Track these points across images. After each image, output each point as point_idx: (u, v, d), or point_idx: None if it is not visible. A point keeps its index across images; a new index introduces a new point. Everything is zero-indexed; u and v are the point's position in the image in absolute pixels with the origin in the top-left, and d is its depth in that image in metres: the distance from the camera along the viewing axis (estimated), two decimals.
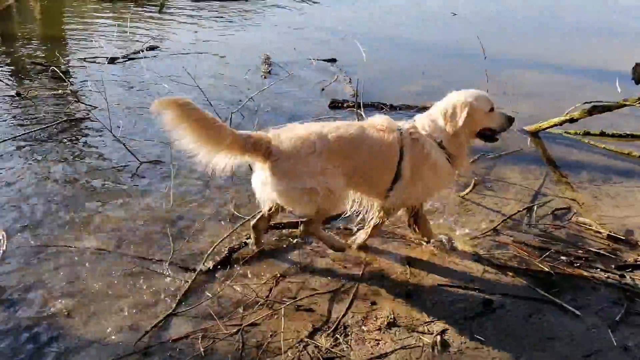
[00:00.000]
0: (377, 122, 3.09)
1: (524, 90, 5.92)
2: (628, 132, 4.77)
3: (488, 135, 3.13)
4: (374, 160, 3.03)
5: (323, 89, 6.06)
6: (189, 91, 5.34)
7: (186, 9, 10.01)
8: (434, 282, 3.09)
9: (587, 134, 4.81)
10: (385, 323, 2.78)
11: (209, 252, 3.23)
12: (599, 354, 2.61)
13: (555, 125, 4.74)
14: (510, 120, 3.11)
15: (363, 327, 2.77)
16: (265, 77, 6.34)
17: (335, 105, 5.55)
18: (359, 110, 4.91)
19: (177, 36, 8.23)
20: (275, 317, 2.81)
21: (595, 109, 4.49)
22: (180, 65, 6.30)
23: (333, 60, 6.89)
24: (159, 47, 7.46)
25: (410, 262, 3.26)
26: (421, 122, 3.10)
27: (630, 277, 3.14)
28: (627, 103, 4.38)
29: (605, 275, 3.15)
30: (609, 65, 6.38)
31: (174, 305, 2.83)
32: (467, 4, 9.74)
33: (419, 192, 3.14)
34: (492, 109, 3.06)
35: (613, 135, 4.78)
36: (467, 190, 3.97)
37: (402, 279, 3.12)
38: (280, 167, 2.87)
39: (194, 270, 3.11)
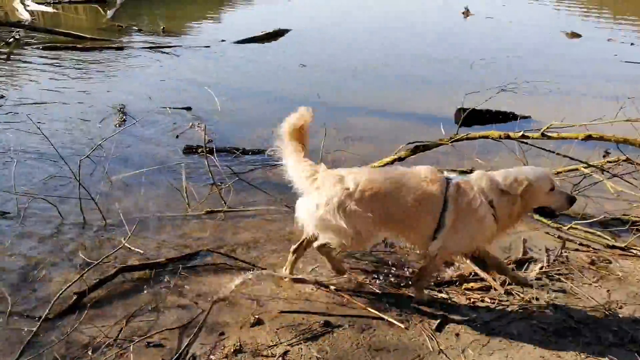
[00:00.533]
0: (422, 172, 3.27)
1: (360, 134, 6.51)
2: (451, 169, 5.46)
3: (547, 212, 3.36)
4: (412, 209, 3.20)
5: (177, 136, 6.25)
6: (38, 140, 5.32)
7: (38, 58, 9.75)
8: (279, 310, 3.38)
9: None
10: (232, 350, 3.01)
11: (54, 298, 3.25)
12: (423, 359, 3.04)
13: (387, 164, 5.29)
14: (571, 200, 3.28)
15: (211, 357, 2.97)
16: (118, 125, 6.40)
17: (190, 150, 5.76)
18: (210, 155, 5.15)
19: (28, 85, 8.03)
20: (125, 355, 2.92)
21: (418, 148, 5.12)
22: (27, 113, 6.17)
23: (188, 109, 7.10)
24: (4, 96, 7.26)
25: (256, 293, 3.53)
26: (477, 178, 3.28)
27: (446, 292, 3.66)
28: (442, 142, 5.06)
29: (426, 292, 3.64)
30: (434, 110, 7.23)
31: (16, 357, 2.84)
32: (315, 56, 10.48)
33: (461, 242, 3.28)
34: (552, 189, 3.25)
35: None
36: None
37: (249, 309, 3.38)
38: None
39: (40, 318, 3.13)
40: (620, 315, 3.42)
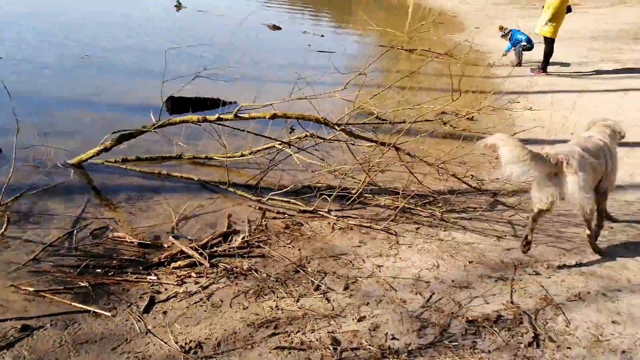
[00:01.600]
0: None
1: (64, 128, 6.17)
2: (158, 155, 5.52)
3: None
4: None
5: None
6: None
7: None
8: None
9: (125, 160, 5.36)
10: None
11: None
12: (131, 343, 3.07)
13: (94, 155, 5.14)
14: None
15: None
16: None
17: None
18: None
19: None
20: None
21: (123, 137, 5.08)
22: None
23: None
24: None
25: None
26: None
27: (154, 274, 3.75)
28: (146, 129, 5.09)
29: (135, 277, 3.67)
30: (144, 100, 7.15)
31: None
32: (9, 48, 9.44)
33: (613, 182, 4.24)
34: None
35: (147, 159, 5.46)
36: (3, 228, 3.98)
37: None
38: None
39: None
40: (309, 269, 3.93)
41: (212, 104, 7.26)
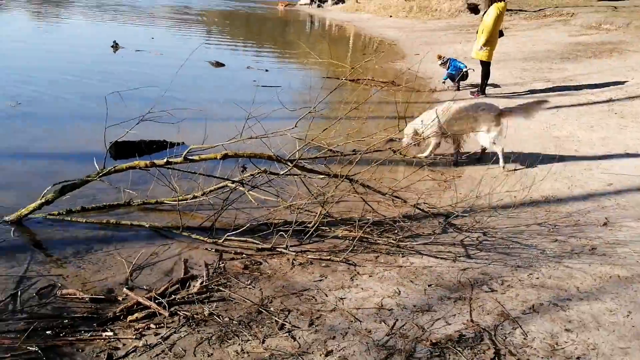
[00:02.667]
0: None
1: (4, 182, 5.90)
2: (106, 204, 5.32)
3: None
4: None
5: None
6: None
7: None
8: None
9: (69, 212, 5.14)
10: None
11: None
12: None
13: (35, 209, 4.91)
14: None
15: None
16: None
17: None
18: None
19: None
20: None
21: (66, 188, 4.88)
22: None
23: None
24: None
25: None
26: None
27: (111, 329, 3.56)
28: (90, 178, 4.92)
29: (89, 335, 3.48)
30: (86, 147, 6.94)
31: None
32: None
33: None
34: None
35: (93, 209, 5.26)
36: None
37: None
38: None
39: None
40: (272, 309, 3.84)
41: (159, 146, 7.12)
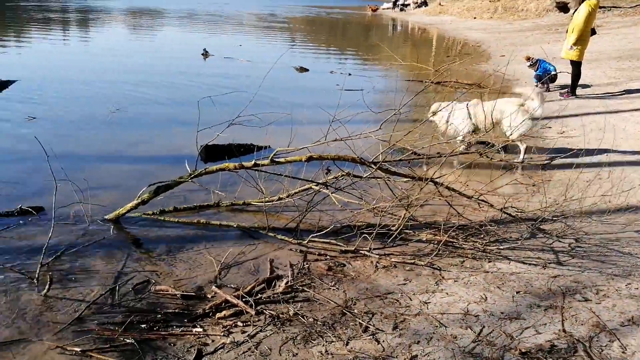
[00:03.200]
0: None
1: (102, 183, 6.25)
2: (196, 204, 5.55)
3: None
4: None
5: None
6: None
7: None
8: None
9: (162, 212, 5.40)
10: None
11: None
12: None
13: (131, 209, 5.18)
14: None
15: None
16: None
17: None
18: None
19: None
20: None
21: (160, 189, 5.12)
22: None
23: None
24: None
25: None
26: None
27: (200, 325, 3.70)
28: (183, 180, 5.13)
29: (180, 330, 3.63)
30: (178, 150, 7.28)
31: None
32: (46, 107, 9.75)
33: None
34: None
35: (185, 209, 5.49)
36: (46, 288, 4.00)
37: None
38: None
39: None
40: (356, 311, 3.84)
41: (246, 149, 7.32)
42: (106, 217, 5.31)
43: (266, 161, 4.93)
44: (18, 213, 5.26)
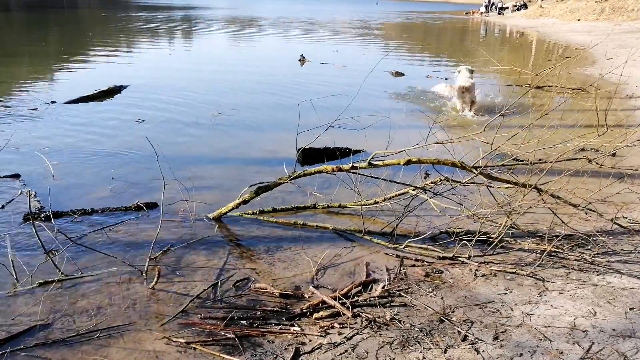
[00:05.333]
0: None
1: (205, 183, 6.51)
2: (294, 206, 5.65)
3: None
4: None
5: (3, 206, 5.77)
6: None
7: None
8: None
9: (262, 212, 5.55)
10: None
11: None
12: None
13: (233, 208, 5.37)
14: None
15: None
16: None
17: (28, 218, 5.33)
18: (40, 223, 4.84)
19: None
20: None
21: (260, 190, 5.26)
22: None
23: (16, 176, 6.63)
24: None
25: None
26: None
27: (297, 325, 3.76)
28: (282, 181, 5.24)
29: (278, 328, 3.71)
30: (277, 152, 7.49)
31: None
32: (154, 110, 10.32)
33: None
34: None
35: (282, 210, 5.61)
36: (154, 281, 4.21)
37: None
38: None
39: None
40: (454, 319, 3.75)
41: (342, 153, 7.37)
42: (209, 215, 5.52)
43: (364, 164, 4.94)
44: (135, 208, 5.60)
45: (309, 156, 7.36)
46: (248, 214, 5.54)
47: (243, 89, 12.75)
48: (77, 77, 14.42)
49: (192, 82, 13.63)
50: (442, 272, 4.45)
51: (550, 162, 5.06)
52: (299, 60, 17.57)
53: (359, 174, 5.20)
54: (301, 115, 5.38)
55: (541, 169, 5.13)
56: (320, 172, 5.18)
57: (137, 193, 6.09)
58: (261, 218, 5.46)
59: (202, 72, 15.70)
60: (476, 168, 4.74)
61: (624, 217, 5.13)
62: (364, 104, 10.17)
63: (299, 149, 7.35)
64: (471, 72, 11.02)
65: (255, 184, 5.33)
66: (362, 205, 5.38)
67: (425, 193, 5.04)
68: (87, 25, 32.74)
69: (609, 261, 4.49)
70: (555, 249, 4.60)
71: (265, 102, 11.32)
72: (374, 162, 4.91)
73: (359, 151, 7.54)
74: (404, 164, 4.84)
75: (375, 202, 5.39)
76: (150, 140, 5.41)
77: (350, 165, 4.99)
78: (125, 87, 12.45)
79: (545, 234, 4.71)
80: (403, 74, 14.80)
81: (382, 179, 5.38)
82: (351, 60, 18.23)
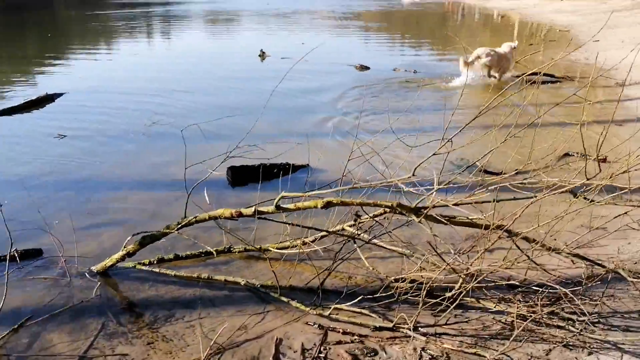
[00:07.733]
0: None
1: (110, 218, 5.34)
2: (202, 251, 4.44)
3: None
4: None
5: None
6: None
7: None
8: None
9: (161, 260, 4.37)
10: None
11: None
12: None
13: (118, 261, 4.18)
14: None
15: None
16: None
17: None
18: None
19: None
20: None
21: (146, 240, 4.06)
22: None
23: None
24: None
25: None
26: None
27: None
28: (169, 231, 4.04)
29: None
30: (201, 174, 6.21)
31: None
32: (81, 123, 9.02)
33: None
34: None
35: (187, 257, 4.42)
36: None
37: None
38: None
39: None
40: None
41: (280, 170, 6.17)
42: (94, 268, 4.33)
43: (270, 207, 3.72)
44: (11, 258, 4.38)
45: (241, 175, 6.20)
46: (144, 263, 4.35)
47: (190, 90, 11.37)
48: (18, 85, 12.96)
49: (138, 85, 12.26)
50: (375, 353, 3.26)
51: (525, 206, 3.73)
52: (259, 55, 16.23)
53: (266, 219, 4.00)
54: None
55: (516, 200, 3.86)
56: (216, 217, 3.94)
57: (24, 235, 4.85)
58: (157, 270, 4.26)
59: (153, 72, 14.35)
60: (418, 211, 3.50)
61: (623, 268, 3.88)
62: (314, 108, 8.92)
63: (233, 169, 6.22)
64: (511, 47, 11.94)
65: (139, 233, 4.11)
66: (290, 248, 4.21)
67: (355, 242, 3.83)
68: (50, 25, 31.03)
69: (604, 329, 3.32)
70: (532, 312, 3.40)
71: (207, 107, 9.93)
72: (283, 206, 3.69)
73: (302, 167, 6.37)
74: (322, 207, 3.59)
75: (304, 244, 4.20)
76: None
77: (253, 209, 3.76)
78: (60, 95, 11.13)
79: (518, 288, 3.54)
80: (368, 68, 13.39)
81: (293, 224, 4.06)
82: (318, 53, 16.84)
